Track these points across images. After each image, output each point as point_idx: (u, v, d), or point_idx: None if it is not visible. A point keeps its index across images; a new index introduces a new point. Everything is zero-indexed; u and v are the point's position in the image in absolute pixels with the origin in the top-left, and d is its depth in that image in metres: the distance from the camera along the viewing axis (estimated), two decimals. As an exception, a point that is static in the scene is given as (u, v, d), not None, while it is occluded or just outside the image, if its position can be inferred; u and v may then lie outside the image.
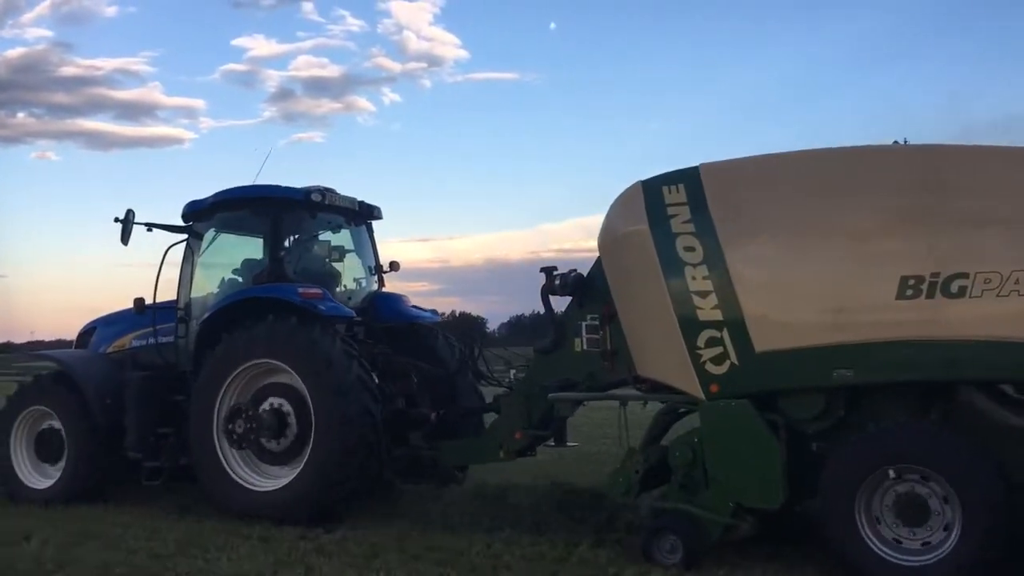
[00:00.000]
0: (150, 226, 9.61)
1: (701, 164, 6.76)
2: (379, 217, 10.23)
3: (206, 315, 9.10)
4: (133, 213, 9.41)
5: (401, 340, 9.60)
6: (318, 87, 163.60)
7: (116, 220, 9.43)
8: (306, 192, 9.24)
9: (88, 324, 11.00)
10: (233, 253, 9.95)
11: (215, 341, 8.85)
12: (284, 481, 8.41)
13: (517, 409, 8.15)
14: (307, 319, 8.47)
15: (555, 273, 7.79)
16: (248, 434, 8.44)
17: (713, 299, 6.49)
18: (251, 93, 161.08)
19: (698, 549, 6.38)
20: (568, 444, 8.60)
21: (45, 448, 9.92)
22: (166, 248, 9.72)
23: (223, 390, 8.72)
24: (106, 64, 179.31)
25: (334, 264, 9.81)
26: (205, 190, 9.95)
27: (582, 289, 7.67)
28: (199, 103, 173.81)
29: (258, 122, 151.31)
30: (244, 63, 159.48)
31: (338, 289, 9.67)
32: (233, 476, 8.60)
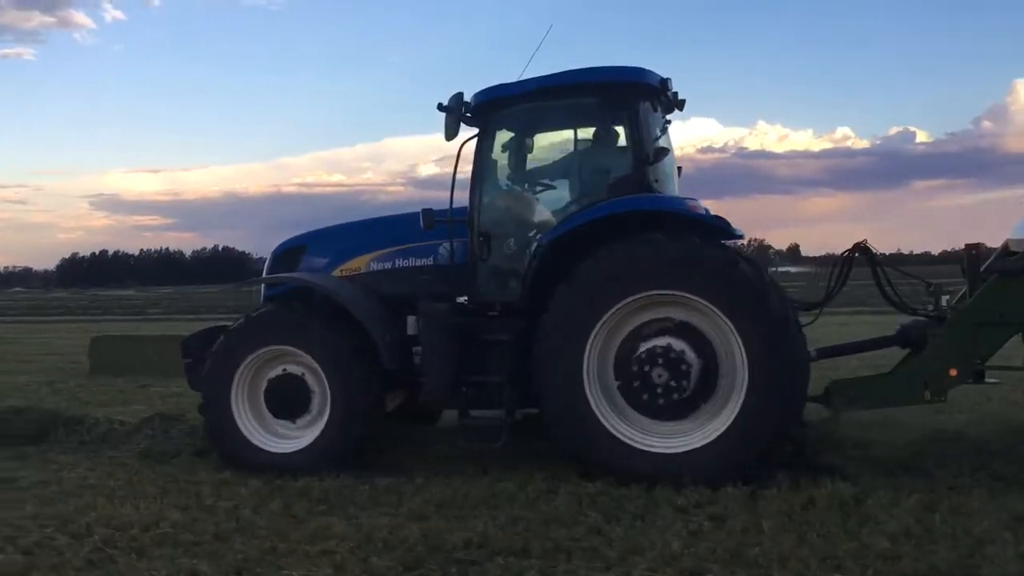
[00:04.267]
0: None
1: None
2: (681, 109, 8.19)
3: (553, 234, 7.17)
4: (461, 97, 7.25)
5: None
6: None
7: (440, 108, 7.23)
8: (662, 79, 7.41)
9: (291, 241, 8.63)
10: (552, 153, 8.00)
11: (564, 266, 6.97)
12: (691, 438, 6.75)
13: (958, 341, 6.97)
14: (712, 241, 6.79)
15: None
16: (665, 383, 6.68)
17: None
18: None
19: None
20: (988, 380, 7.40)
21: (280, 401, 7.63)
22: (460, 145, 7.59)
23: (596, 329, 6.87)
24: None
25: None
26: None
27: None
28: None
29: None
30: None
31: None
32: (615, 433, 6.83)
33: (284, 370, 7.64)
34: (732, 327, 6.65)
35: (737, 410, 6.64)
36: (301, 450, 7.45)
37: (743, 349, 6.63)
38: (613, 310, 6.83)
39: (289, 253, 8.48)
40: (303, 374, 7.58)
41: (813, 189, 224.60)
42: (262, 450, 7.55)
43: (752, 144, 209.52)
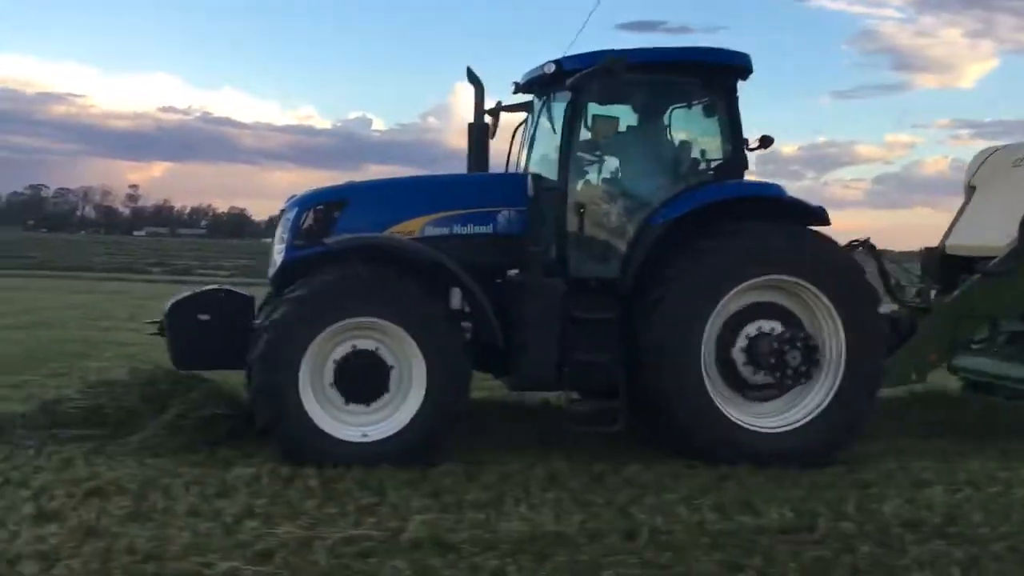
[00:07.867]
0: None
1: None
2: None
3: (672, 212, 7.08)
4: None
5: None
6: None
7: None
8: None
9: (326, 193, 7.51)
10: (642, 129, 7.83)
11: (675, 247, 6.99)
12: (792, 419, 7.12)
13: (940, 330, 8.10)
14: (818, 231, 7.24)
15: None
16: (794, 366, 6.94)
17: None
18: None
19: None
20: None
21: (355, 381, 6.66)
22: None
23: (714, 313, 6.95)
24: None
25: None
26: None
27: None
28: None
29: None
30: None
31: None
32: (729, 416, 6.97)
33: (354, 346, 6.67)
34: (836, 314, 7.08)
35: (835, 389, 7.11)
36: (391, 436, 6.58)
37: (842, 332, 7.08)
38: (732, 292, 6.97)
39: (326, 207, 7.26)
40: (377, 349, 6.69)
41: (276, 163, 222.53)
42: (343, 441, 6.52)
43: (218, 110, 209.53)
